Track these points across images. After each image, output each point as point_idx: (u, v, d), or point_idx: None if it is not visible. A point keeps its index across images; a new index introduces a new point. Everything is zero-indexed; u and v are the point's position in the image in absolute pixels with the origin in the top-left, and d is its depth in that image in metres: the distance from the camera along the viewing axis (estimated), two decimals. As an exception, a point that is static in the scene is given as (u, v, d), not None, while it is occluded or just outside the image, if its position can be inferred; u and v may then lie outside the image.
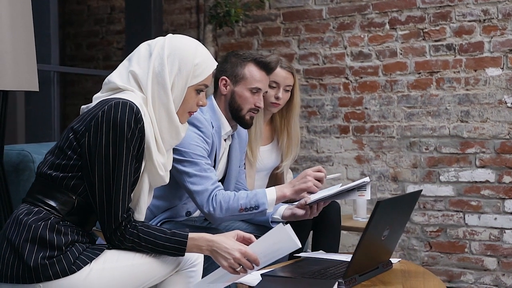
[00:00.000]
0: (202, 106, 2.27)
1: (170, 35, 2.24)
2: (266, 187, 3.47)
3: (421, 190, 2.52)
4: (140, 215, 2.21)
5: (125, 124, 2.02)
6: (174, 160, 2.69)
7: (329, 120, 4.87)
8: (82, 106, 2.19)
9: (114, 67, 5.76)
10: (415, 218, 4.58)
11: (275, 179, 3.50)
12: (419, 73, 4.55)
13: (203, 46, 2.27)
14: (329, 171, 4.81)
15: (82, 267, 2.01)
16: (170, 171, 2.68)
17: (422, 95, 4.55)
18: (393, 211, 2.33)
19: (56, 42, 4.04)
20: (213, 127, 2.80)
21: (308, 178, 2.69)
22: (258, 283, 2.19)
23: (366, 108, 4.74)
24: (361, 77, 4.75)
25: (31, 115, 4.12)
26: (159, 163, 2.16)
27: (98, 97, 2.18)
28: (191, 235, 2.12)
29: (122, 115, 2.02)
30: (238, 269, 2.12)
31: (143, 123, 2.07)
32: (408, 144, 4.60)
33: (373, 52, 4.70)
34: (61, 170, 2.07)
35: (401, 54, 4.61)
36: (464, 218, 4.44)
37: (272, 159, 3.41)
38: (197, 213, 2.94)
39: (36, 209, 2.05)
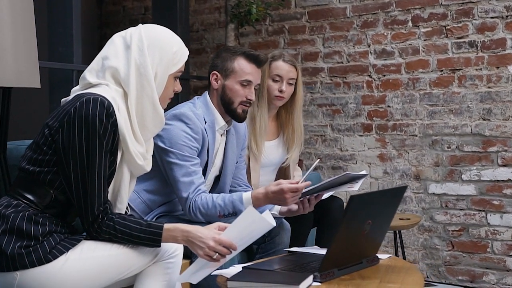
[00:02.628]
0: (177, 91, 2.33)
1: (141, 25, 2.28)
2: (274, 183, 3.52)
3: (406, 186, 2.52)
4: (122, 204, 2.25)
5: (97, 119, 2.07)
6: (164, 161, 2.76)
7: (352, 118, 4.87)
8: (62, 99, 2.25)
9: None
10: (437, 217, 4.53)
11: (283, 174, 3.53)
12: (441, 70, 4.51)
13: (175, 34, 2.32)
14: (352, 169, 4.82)
15: (58, 257, 2.06)
16: (163, 168, 2.76)
17: (444, 93, 4.50)
18: (372, 206, 2.32)
19: (79, 42, 4.14)
20: (206, 122, 2.84)
21: (288, 201, 2.66)
22: (234, 274, 2.23)
23: (389, 106, 4.72)
24: (384, 75, 4.73)
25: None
26: (136, 153, 2.20)
27: (75, 91, 2.24)
28: (166, 226, 2.16)
29: (93, 111, 2.07)
30: (214, 257, 2.15)
31: (116, 117, 2.11)
32: (430, 142, 4.56)
33: (396, 49, 4.68)
34: (38, 165, 2.14)
35: (423, 51, 4.57)
36: (486, 217, 4.38)
37: (278, 154, 3.43)
38: (195, 207, 2.98)
39: (15, 202, 2.12)
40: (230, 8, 4.70)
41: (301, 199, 2.79)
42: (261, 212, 2.18)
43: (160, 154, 2.74)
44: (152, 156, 2.72)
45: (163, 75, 2.23)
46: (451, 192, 4.49)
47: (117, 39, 2.27)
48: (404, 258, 4.12)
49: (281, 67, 3.27)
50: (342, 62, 4.90)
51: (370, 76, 4.78)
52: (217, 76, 2.90)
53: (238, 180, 3.09)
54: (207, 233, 2.16)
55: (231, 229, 2.17)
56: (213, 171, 2.96)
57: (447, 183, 4.50)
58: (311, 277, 2.20)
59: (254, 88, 2.91)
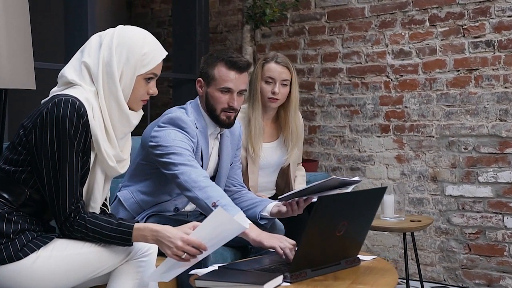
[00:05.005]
0: (152, 94, 2.32)
1: (120, 26, 2.30)
2: (276, 183, 3.53)
3: (385, 187, 2.49)
4: (96, 204, 2.28)
5: (67, 120, 2.11)
6: (158, 155, 2.77)
7: (370, 119, 4.83)
8: (42, 101, 2.30)
9: (171, 68, 5.88)
10: (454, 220, 4.46)
11: (285, 174, 3.53)
12: (458, 70, 4.44)
13: (152, 36, 2.31)
14: (370, 170, 4.78)
15: (29, 254, 2.11)
16: (160, 164, 2.77)
17: (461, 93, 4.43)
18: (346, 207, 2.31)
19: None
20: (197, 128, 2.85)
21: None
22: (205, 273, 2.24)
23: (406, 107, 4.67)
24: (401, 75, 4.68)
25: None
26: (108, 154, 2.23)
27: (53, 92, 2.29)
28: (136, 225, 2.18)
29: (64, 111, 2.11)
30: (183, 256, 2.15)
31: (87, 117, 2.14)
32: (447, 143, 4.50)
33: (413, 49, 4.63)
34: (13, 164, 2.19)
35: (440, 51, 4.51)
36: (503, 220, 4.29)
37: (277, 156, 3.43)
38: (188, 207, 3.00)
39: None
40: (246, 9, 4.73)
41: (290, 201, 2.79)
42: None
43: (155, 153, 2.76)
44: (148, 161, 2.75)
45: (130, 75, 2.23)
46: (467, 194, 4.42)
47: (94, 37, 2.30)
48: (417, 260, 4.06)
49: (274, 69, 3.29)
50: (361, 63, 4.87)
51: (387, 76, 4.74)
52: (201, 83, 2.91)
53: (232, 180, 3.09)
54: (176, 233, 2.17)
55: (200, 230, 2.17)
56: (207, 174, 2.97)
57: (464, 185, 4.43)
58: (281, 277, 2.20)
59: (241, 93, 2.88)
